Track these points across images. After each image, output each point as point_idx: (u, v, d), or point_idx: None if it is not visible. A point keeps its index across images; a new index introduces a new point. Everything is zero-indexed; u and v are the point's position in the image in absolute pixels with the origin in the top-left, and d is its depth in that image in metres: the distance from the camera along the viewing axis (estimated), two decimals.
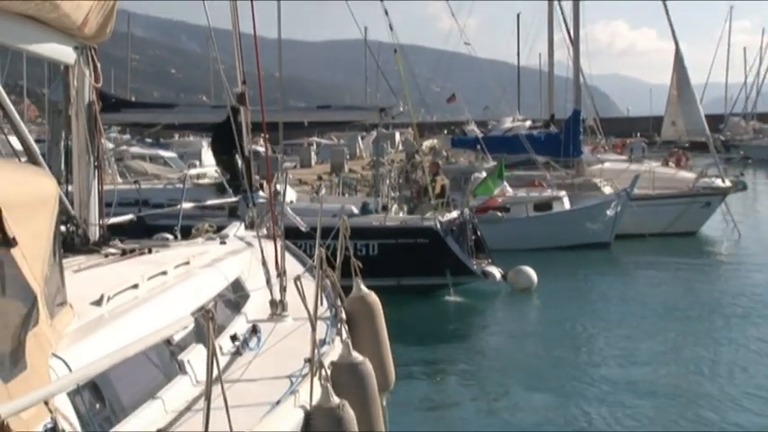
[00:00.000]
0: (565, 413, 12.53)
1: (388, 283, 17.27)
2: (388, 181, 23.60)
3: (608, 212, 26.24)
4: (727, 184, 29.81)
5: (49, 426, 4.03)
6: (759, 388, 13.35)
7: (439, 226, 19.46)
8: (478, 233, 20.52)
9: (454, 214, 20.42)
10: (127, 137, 34.97)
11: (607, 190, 28.13)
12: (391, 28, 22.81)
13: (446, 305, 19.54)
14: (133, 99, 38.19)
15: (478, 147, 31.94)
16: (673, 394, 13.13)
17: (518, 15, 71.45)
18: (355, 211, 20.00)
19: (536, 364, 15.35)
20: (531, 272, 20.25)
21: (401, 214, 21.22)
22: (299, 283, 6.38)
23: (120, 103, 23.72)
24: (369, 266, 17.72)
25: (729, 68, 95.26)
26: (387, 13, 22.16)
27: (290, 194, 19.18)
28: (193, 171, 28.04)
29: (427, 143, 35.70)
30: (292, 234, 10.63)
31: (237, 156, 14.30)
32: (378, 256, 18.70)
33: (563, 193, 27.14)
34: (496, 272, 19.80)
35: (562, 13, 41.09)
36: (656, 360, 15.21)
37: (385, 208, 20.73)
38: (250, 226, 9.55)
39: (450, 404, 13.24)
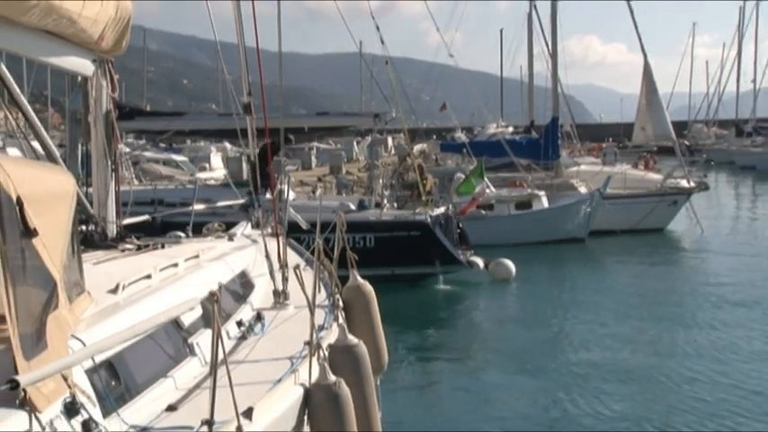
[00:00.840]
0: (542, 391, 12.57)
1: (384, 272, 17.56)
2: (381, 181, 23.69)
3: (582, 210, 26.34)
4: (692, 184, 29.89)
5: (68, 400, 4.04)
6: (721, 364, 13.60)
7: (429, 220, 19.60)
8: (461, 227, 20.77)
9: (442, 210, 20.61)
10: (142, 142, 34.95)
11: (583, 190, 28.18)
12: (382, 42, 22.87)
13: (436, 293, 19.77)
14: (148, 108, 38.20)
15: (464, 151, 32.10)
16: (641, 374, 13.18)
17: (501, 31, 71.73)
18: (353, 207, 20.20)
19: (515, 346, 15.40)
20: (510, 264, 20.40)
21: (392, 210, 21.31)
22: (298, 274, 6.40)
23: (134, 111, 24.05)
24: (366, 257, 17.90)
25: (693, 79, 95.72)
26: (378, 28, 22.26)
27: (290, 195, 19.41)
28: (204, 174, 28.18)
29: (418, 147, 35.72)
30: (296, 228, 10.67)
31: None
32: (374, 248, 18.93)
33: (542, 192, 27.17)
34: (480, 262, 20.01)
35: (541, 29, 41.32)
36: (626, 343, 15.26)
37: (378, 205, 20.85)
38: (256, 225, 9.55)
39: (437, 383, 13.24)
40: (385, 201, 21.59)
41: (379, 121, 23.69)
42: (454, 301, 19.66)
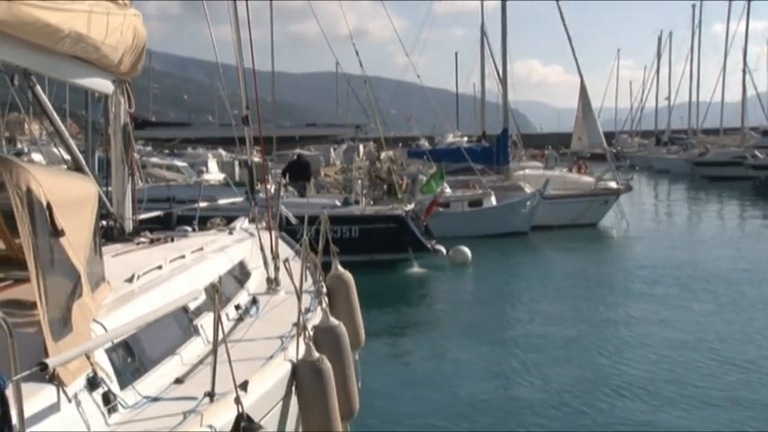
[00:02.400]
0: (496, 356, 12.75)
1: (365, 258, 18.33)
2: (360, 182, 23.98)
3: (525, 208, 26.46)
4: (619, 186, 30.10)
5: (90, 375, 4.05)
6: (644, 332, 13.91)
7: (404, 214, 20.00)
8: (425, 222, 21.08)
9: (412, 206, 20.98)
10: (149, 149, 34.75)
11: (528, 190, 28.27)
12: (361, 64, 23.31)
13: (410, 275, 20.02)
14: (153, 119, 38.08)
15: (426, 157, 32.17)
16: (576, 341, 13.38)
17: (456, 54, 72.04)
18: (338, 204, 20.80)
19: (472, 320, 15.62)
20: (466, 250, 20.63)
21: (369, 206, 21.67)
22: (287, 264, 6.41)
23: (145, 122, 24.34)
24: (351, 246, 18.69)
25: (618, 96, 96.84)
26: (357, 53, 22.63)
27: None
28: (206, 176, 28.39)
29: (388, 154, 35.81)
30: (289, 222, 10.67)
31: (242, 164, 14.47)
32: (358, 238, 19.45)
33: (491, 192, 27.24)
34: (443, 249, 20.23)
35: (491, 53, 41.49)
36: (563, 317, 15.46)
37: (357, 202, 21.41)
38: (252, 220, 9.53)
39: (409, 354, 13.25)
40: (363, 198, 22.02)
41: (360, 130, 24.27)
42: (424, 282, 19.83)
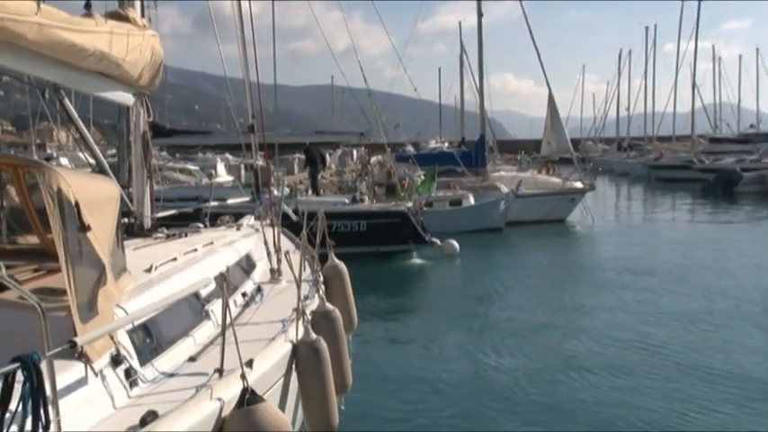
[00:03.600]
0: (477, 336, 12.76)
1: (372, 249, 19.01)
2: (365, 183, 24.14)
3: (500, 206, 26.40)
4: (584, 186, 30.15)
5: (114, 353, 4.09)
6: (607, 316, 13.88)
7: (406, 210, 20.15)
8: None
9: (411, 203, 21.13)
10: (164, 153, 34.57)
11: (504, 190, 28.27)
12: (365, 79, 23.63)
13: (409, 265, 20.12)
14: (168, 127, 37.86)
15: (411, 161, 32.13)
16: (546, 325, 13.37)
17: (439, 69, 71.98)
18: (347, 201, 21.06)
19: (458, 304, 15.72)
20: (455, 243, 20.58)
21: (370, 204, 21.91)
22: (288, 256, 6.44)
23: (173, 131, 24.52)
24: (359, 238, 19.00)
25: (583, 107, 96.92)
26: (362, 69, 23.06)
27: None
28: (217, 179, 28.45)
29: (378, 158, 35.77)
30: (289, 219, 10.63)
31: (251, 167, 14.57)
32: (366, 231, 19.62)
33: (469, 192, 27.22)
34: (438, 241, 20.30)
35: (470, 68, 41.47)
36: (536, 302, 15.52)
37: (362, 200, 21.66)
38: (257, 217, 9.55)
39: (399, 335, 13.21)
40: (367, 197, 22.37)
41: (363, 137, 24.55)
42: (422, 270, 19.89)
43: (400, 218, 20.13)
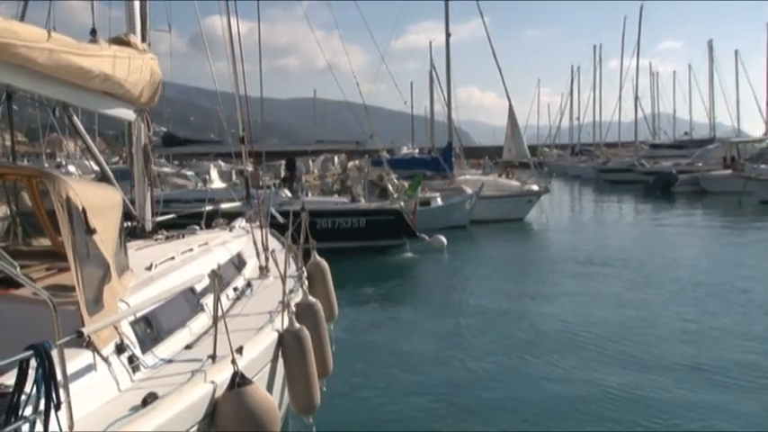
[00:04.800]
0: (451, 320, 12.85)
1: (370, 244, 19.29)
2: (359, 185, 24.28)
3: (465, 206, 26.43)
4: (541, 188, 30.28)
5: (118, 342, 4.11)
6: (563, 303, 13.90)
7: (401, 208, 20.44)
8: None
9: (403, 203, 21.31)
10: (162, 160, 34.32)
11: (469, 192, 28.31)
12: (360, 93, 24.17)
13: (404, 258, 20.23)
14: (182, 137, 37.60)
15: (384, 165, 32.10)
16: (508, 310, 13.51)
17: (411, 84, 71.93)
18: (346, 201, 21.25)
19: (432, 293, 15.93)
20: (443, 238, 20.86)
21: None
22: (275, 255, 6.46)
23: (186, 140, 24.58)
24: (358, 234, 19.02)
25: (539, 116, 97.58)
26: (358, 84, 23.44)
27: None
28: (213, 185, 28.21)
29: (355, 163, 35.71)
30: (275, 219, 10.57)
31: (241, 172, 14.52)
32: (365, 227, 19.80)
33: (437, 194, 27.16)
34: (426, 237, 20.53)
35: (438, 82, 41.57)
36: (498, 290, 15.76)
37: (359, 200, 21.71)
38: (249, 220, 9.54)
39: (382, 322, 13.16)
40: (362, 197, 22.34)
41: (359, 146, 24.89)
42: (414, 262, 20.02)
43: (395, 215, 20.33)
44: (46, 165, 27.98)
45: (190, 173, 34.42)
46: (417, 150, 47.90)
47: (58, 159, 44.42)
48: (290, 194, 21.07)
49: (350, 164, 28.13)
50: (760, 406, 8.07)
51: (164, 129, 21.41)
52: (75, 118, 5.95)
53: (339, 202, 21.19)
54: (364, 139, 25.73)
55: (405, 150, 50.04)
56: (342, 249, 16.84)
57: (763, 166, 37.40)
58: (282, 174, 27.50)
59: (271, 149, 26.43)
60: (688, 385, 8.79)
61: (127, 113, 7.00)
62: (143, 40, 6.97)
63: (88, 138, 6.47)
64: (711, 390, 8.62)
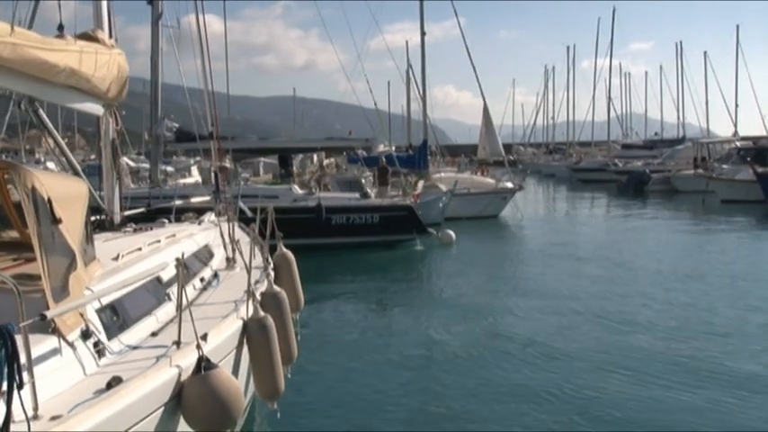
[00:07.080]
0: (437, 312, 12.88)
1: (382, 238, 19.66)
2: (365, 180, 24.66)
3: (440, 204, 26.39)
4: (515, 186, 30.46)
5: (84, 329, 4.16)
6: (540, 296, 14.12)
7: (411, 204, 20.95)
8: None
9: (412, 199, 21.88)
10: (142, 157, 34.16)
11: (443, 189, 28.36)
12: (370, 91, 26.21)
13: (414, 251, 20.59)
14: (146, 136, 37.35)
15: (360, 163, 32.13)
16: (489, 305, 13.56)
17: (388, 83, 72.00)
18: (357, 196, 21.59)
19: (416, 286, 16.35)
20: (452, 233, 21.34)
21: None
22: (241, 246, 6.54)
23: (201, 136, 24.26)
24: (371, 229, 19.52)
25: (514, 115, 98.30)
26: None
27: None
28: (188, 180, 28.21)
29: (330, 160, 35.69)
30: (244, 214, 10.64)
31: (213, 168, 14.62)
32: (378, 222, 20.09)
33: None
34: (434, 231, 21.02)
35: (415, 81, 41.61)
36: (473, 284, 15.97)
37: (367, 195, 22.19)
38: (218, 214, 9.59)
39: (358, 311, 13.33)
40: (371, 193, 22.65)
41: (368, 143, 25.17)
42: (422, 254, 20.33)
43: (407, 211, 20.71)
44: (24, 161, 27.75)
45: (170, 169, 34.31)
46: (394, 148, 47.95)
47: (38, 155, 44.05)
48: (301, 191, 21.10)
49: (325, 161, 28.13)
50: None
51: (176, 124, 21.27)
52: (41, 112, 5.97)
53: (351, 197, 21.42)
54: (374, 137, 26.37)
55: (381, 148, 49.99)
56: (355, 245, 17.86)
57: (725, 166, 37.98)
58: (261, 170, 27.60)
59: (257, 146, 26.57)
60: (653, 369, 9.10)
61: (94, 108, 7.01)
62: (110, 35, 7.00)
63: (55, 131, 6.50)
64: (667, 373, 8.93)
